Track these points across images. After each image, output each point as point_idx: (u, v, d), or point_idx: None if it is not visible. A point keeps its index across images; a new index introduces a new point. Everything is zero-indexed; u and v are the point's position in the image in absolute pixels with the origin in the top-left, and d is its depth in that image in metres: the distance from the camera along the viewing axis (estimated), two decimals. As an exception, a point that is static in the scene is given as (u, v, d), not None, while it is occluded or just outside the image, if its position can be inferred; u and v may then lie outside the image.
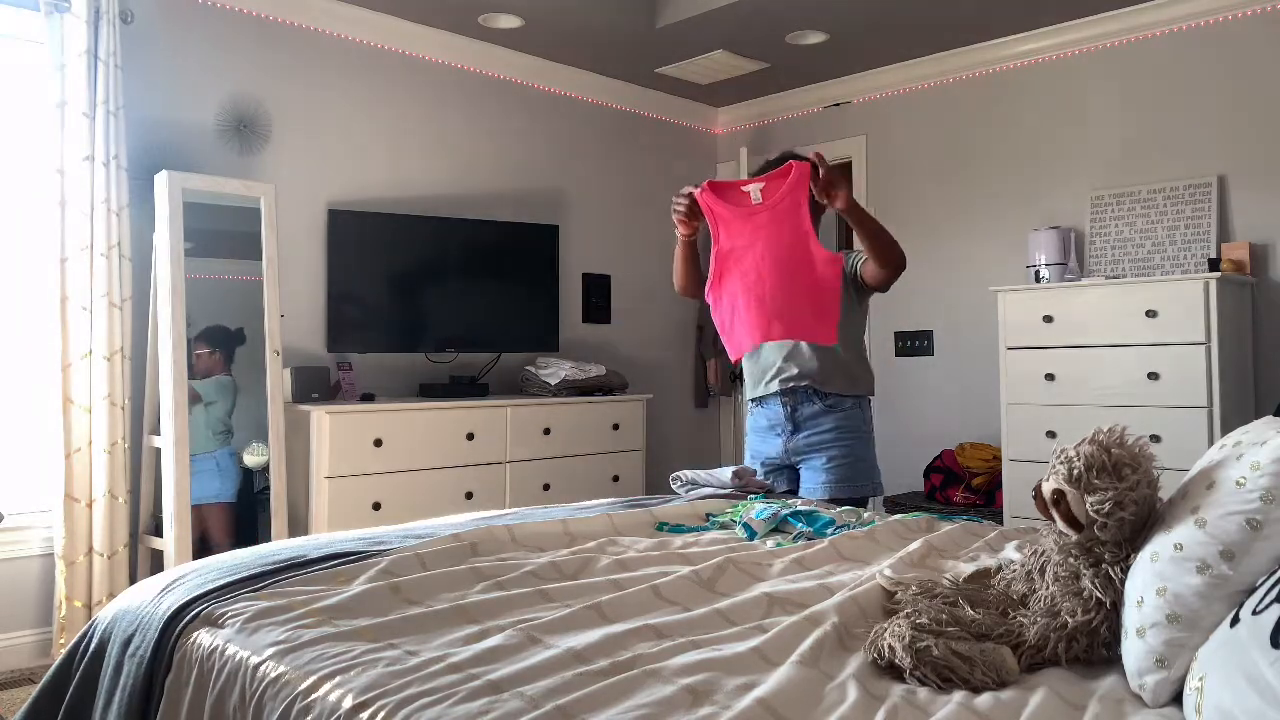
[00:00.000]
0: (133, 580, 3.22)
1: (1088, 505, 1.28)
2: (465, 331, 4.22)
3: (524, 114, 4.64)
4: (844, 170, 2.69)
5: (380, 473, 3.57)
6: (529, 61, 4.57)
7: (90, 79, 3.19)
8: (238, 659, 1.36)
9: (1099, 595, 1.28)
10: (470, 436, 3.83)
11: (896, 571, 1.70)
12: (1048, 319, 3.70)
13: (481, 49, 4.39)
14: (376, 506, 3.54)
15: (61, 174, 3.16)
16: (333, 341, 3.92)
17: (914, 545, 1.91)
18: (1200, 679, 1.05)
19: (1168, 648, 1.14)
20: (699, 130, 5.46)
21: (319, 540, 1.98)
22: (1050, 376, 3.69)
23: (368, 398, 3.77)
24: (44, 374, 3.23)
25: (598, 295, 4.91)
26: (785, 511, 2.20)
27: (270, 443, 3.45)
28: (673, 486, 2.72)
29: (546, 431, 4.08)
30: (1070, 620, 1.29)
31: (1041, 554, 1.42)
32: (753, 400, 2.78)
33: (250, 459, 3.54)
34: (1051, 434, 3.67)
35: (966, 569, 1.69)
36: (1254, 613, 1.02)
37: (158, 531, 3.33)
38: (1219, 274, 3.39)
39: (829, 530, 2.11)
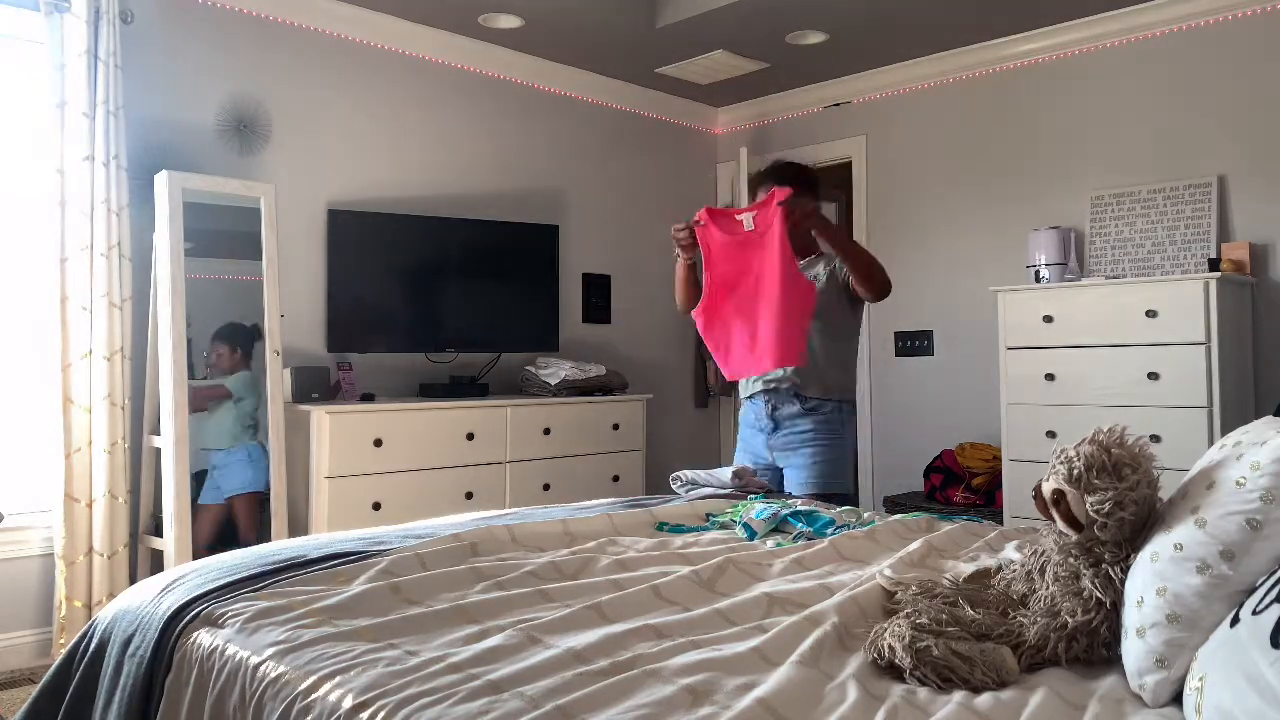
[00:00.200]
0: (133, 580, 3.22)
1: (1088, 505, 1.28)
2: (465, 331, 4.22)
3: (524, 114, 4.64)
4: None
5: (380, 473, 3.57)
6: (529, 61, 4.57)
7: (90, 79, 3.18)
8: (238, 659, 1.36)
9: (1099, 595, 1.28)
10: (470, 436, 3.83)
11: (896, 571, 1.70)
12: (1048, 319, 3.70)
13: (481, 49, 4.39)
14: (376, 506, 3.54)
15: (61, 174, 3.16)
16: (333, 341, 3.91)
17: (914, 545, 1.91)
18: (1200, 679, 1.05)
19: (1168, 648, 1.14)
20: (699, 130, 5.46)
21: (319, 540, 1.98)
22: (1050, 376, 3.69)
23: (368, 398, 3.77)
24: (44, 374, 3.23)
25: (598, 295, 4.91)
26: (785, 511, 2.20)
27: (270, 443, 3.45)
28: (673, 486, 2.72)
29: (546, 431, 4.08)
30: (1070, 620, 1.29)
31: (1041, 554, 1.42)
32: (744, 397, 2.91)
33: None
34: (1051, 434, 3.66)
35: (966, 569, 1.69)
36: (1254, 613, 1.02)
37: (158, 531, 3.33)
38: (1219, 274, 3.39)
39: (829, 530, 2.11)
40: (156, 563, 3.33)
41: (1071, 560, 1.33)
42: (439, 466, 3.74)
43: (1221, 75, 3.79)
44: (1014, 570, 1.49)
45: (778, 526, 2.17)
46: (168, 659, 1.47)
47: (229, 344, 3.53)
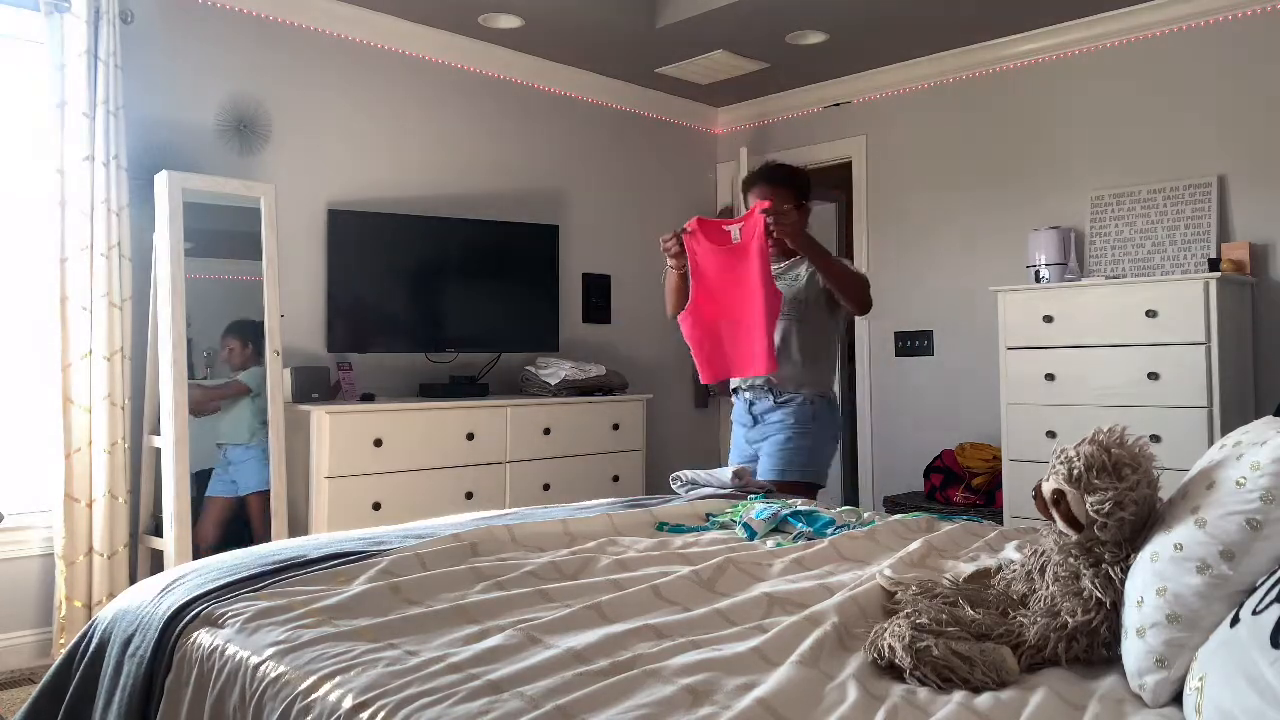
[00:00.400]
0: (133, 580, 3.21)
1: (1088, 505, 1.28)
2: (465, 331, 4.22)
3: (524, 114, 4.64)
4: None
5: (380, 473, 3.57)
6: (529, 61, 4.57)
7: (90, 79, 3.18)
8: (238, 659, 1.36)
9: (1099, 595, 1.28)
10: (470, 436, 3.83)
11: (896, 571, 1.70)
12: (1048, 319, 3.70)
13: (481, 49, 4.39)
14: (376, 506, 3.54)
15: (61, 174, 3.16)
16: (333, 341, 3.92)
17: (914, 545, 1.91)
18: (1200, 679, 1.05)
19: (1168, 648, 1.14)
20: (699, 130, 5.46)
21: (319, 540, 1.98)
22: (1050, 376, 3.69)
23: (368, 398, 3.77)
24: (44, 374, 3.23)
25: (598, 295, 4.91)
26: (785, 511, 2.20)
27: (270, 443, 3.45)
28: (673, 486, 2.72)
29: (546, 431, 4.08)
30: (1070, 620, 1.29)
31: (1041, 554, 1.42)
32: (730, 391, 3.05)
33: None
34: (1051, 434, 3.66)
35: (966, 569, 1.69)
36: (1254, 613, 1.02)
37: (158, 531, 3.33)
38: (1219, 274, 3.39)
39: (829, 530, 2.11)
40: (156, 563, 3.33)
41: (1071, 560, 1.33)
42: (439, 466, 3.74)
43: (1221, 75, 3.79)
44: (1014, 570, 1.49)
45: (778, 526, 2.17)
46: (168, 659, 1.47)
47: (240, 338, 3.54)
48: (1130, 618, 1.21)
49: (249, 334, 3.53)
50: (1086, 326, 3.60)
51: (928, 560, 1.85)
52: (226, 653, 1.38)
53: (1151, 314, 3.45)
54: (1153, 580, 1.18)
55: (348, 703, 1.17)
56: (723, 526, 2.22)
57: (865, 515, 2.27)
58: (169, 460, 3.22)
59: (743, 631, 1.41)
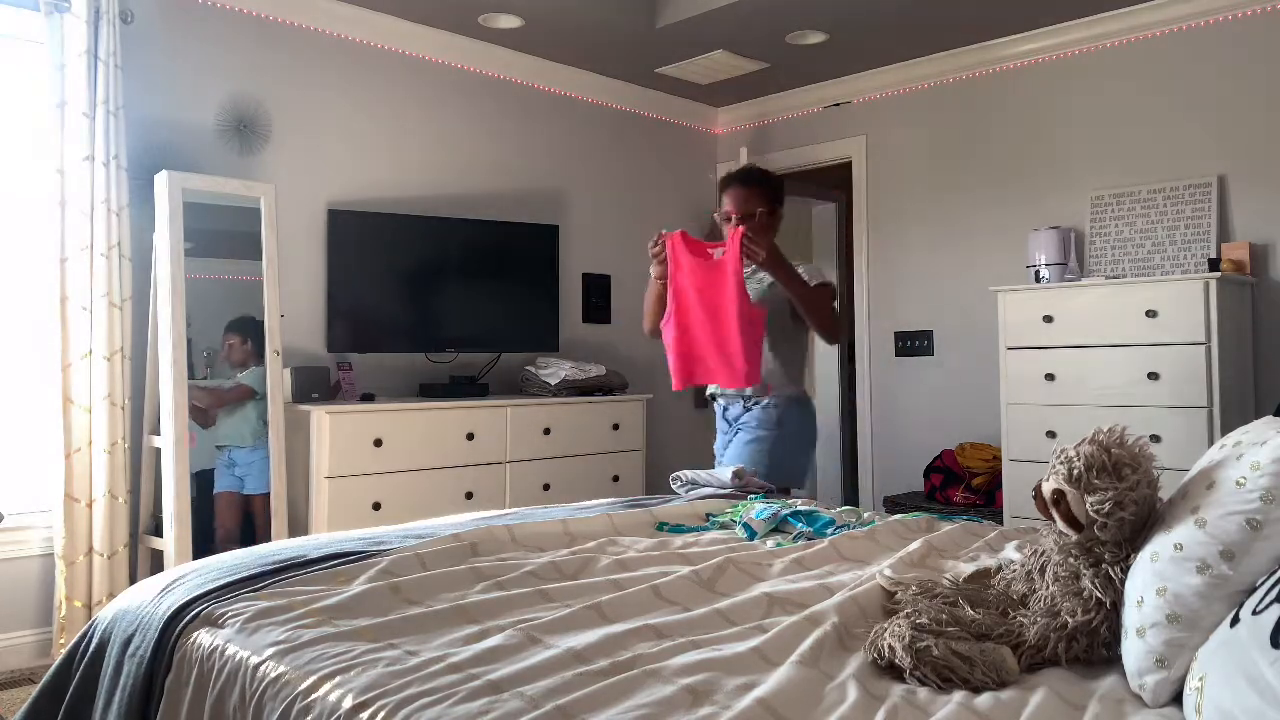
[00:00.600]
0: (133, 580, 3.21)
1: (1088, 505, 1.28)
2: (465, 331, 4.22)
3: (524, 114, 4.64)
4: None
5: (380, 473, 3.57)
6: (529, 61, 4.57)
7: (90, 79, 3.18)
8: (238, 659, 1.36)
9: (1099, 595, 1.28)
10: (470, 436, 3.83)
11: (896, 571, 1.70)
12: (1048, 319, 3.70)
13: (481, 49, 4.39)
14: (376, 506, 3.54)
15: (61, 174, 3.16)
16: (333, 341, 3.92)
17: (914, 545, 1.91)
18: (1200, 679, 1.05)
19: (1168, 648, 1.14)
20: (699, 130, 5.46)
21: (319, 540, 1.98)
22: (1050, 376, 3.69)
23: (368, 398, 3.77)
24: (44, 374, 3.23)
25: (598, 295, 4.91)
26: (785, 511, 2.20)
27: (270, 443, 3.45)
28: (673, 486, 2.72)
29: (546, 431, 4.08)
30: (1070, 620, 1.29)
31: (1041, 554, 1.42)
32: (708, 395, 3.14)
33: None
34: (1051, 434, 3.66)
35: (966, 569, 1.69)
36: (1254, 613, 1.02)
37: (158, 531, 3.33)
38: (1219, 274, 3.39)
39: (829, 530, 2.11)
40: (156, 563, 3.33)
41: (1071, 560, 1.33)
42: (439, 466, 3.74)
43: (1221, 75, 3.79)
44: (1014, 570, 1.49)
45: (778, 526, 2.17)
46: (168, 659, 1.47)
47: (240, 335, 3.53)
48: (1130, 618, 1.21)
49: (249, 331, 3.53)
50: (1086, 326, 3.60)
51: (928, 560, 1.85)
52: (226, 653, 1.38)
53: (1151, 314, 3.45)
54: (1153, 580, 1.18)
55: (348, 703, 1.17)
56: (723, 526, 2.22)
57: (865, 515, 2.27)
58: (169, 460, 3.22)
59: (743, 631, 1.41)
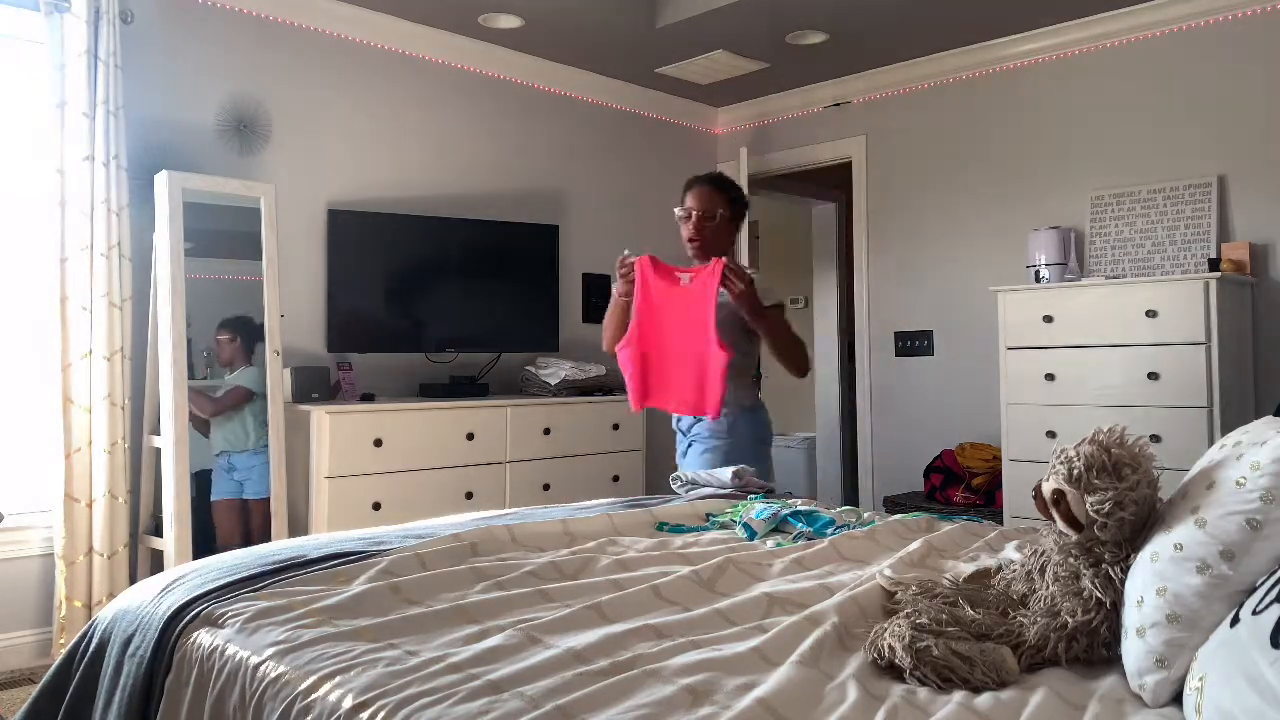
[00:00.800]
0: (133, 580, 3.21)
1: (1088, 505, 1.28)
2: (465, 331, 4.22)
3: (524, 114, 4.64)
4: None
5: (380, 473, 3.57)
6: (529, 61, 4.57)
7: (90, 79, 3.18)
8: (238, 659, 1.36)
9: (1099, 595, 1.28)
10: (470, 436, 3.83)
11: (896, 571, 1.70)
12: (1048, 319, 3.70)
13: (481, 49, 4.39)
14: (376, 506, 3.54)
15: (61, 174, 3.16)
16: (333, 341, 3.92)
17: (914, 545, 1.91)
18: (1200, 679, 1.05)
19: (1168, 648, 1.14)
20: (699, 130, 5.46)
21: (319, 540, 1.98)
22: (1050, 376, 3.69)
23: (368, 398, 3.77)
24: (44, 374, 3.23)
25: (598, 295, 4.90)
26: (785, 511, 2.20)
27: (270, 443, 3.45)
28: (673, 486, 2.72)
29: (546, 431, 4.08)
30: (1070, 620, 1.29)
31: (1041, 554, 1.42)
32: None
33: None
34: (1051, 434, 3.66)
35: (966, 569, 1.69)
36: (1254, 613, 1.02)
37: (158, 531, 3.33)
38: (1219, 274, 3.39)
39: (829, 530, 2.11)
40: (156, 563, 3.33)
41: (1071, 560, 1.33)
42: (439, 466, 3.74)
43: (1221, 75, 3.79)
44: (1014, 570, 1.49)
45: (778, 526, 2.17)
46: (168, 659, 1.47)
47: (230, 333, 3.51)
48: (1130, 618, 1.21)
49: (239, 329, 3.51)
50: (1086, 326, 3.60)
51: (928, 560, 1.85)
52: (226, 653, 1.38)
53: (1151, 314, 3.45)
54: (1153, 580, 1.18)
55: (348, 703, 1.17)
56: (723, 526, 2.22)
57: (865, 515, 2.27)
58: (169, 460, 3.22)
59: (743, 631, 1.41)
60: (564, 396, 4.21)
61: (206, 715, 1.36)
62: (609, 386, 4.40)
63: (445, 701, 1.13)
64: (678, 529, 2.18)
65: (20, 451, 3.32)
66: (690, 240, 2.87)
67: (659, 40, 4.34)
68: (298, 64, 3.88)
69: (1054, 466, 1.33)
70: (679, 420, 2.98)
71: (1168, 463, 3.08)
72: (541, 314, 4.45)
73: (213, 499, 3.44)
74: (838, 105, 5.00)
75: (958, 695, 1.17)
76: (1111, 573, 1.28)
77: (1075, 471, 1.29)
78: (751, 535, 2.09)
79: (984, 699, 1.16)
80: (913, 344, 4.73)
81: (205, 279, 3.44)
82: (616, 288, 2.85)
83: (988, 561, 1.77)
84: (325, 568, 1.69)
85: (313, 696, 1.22)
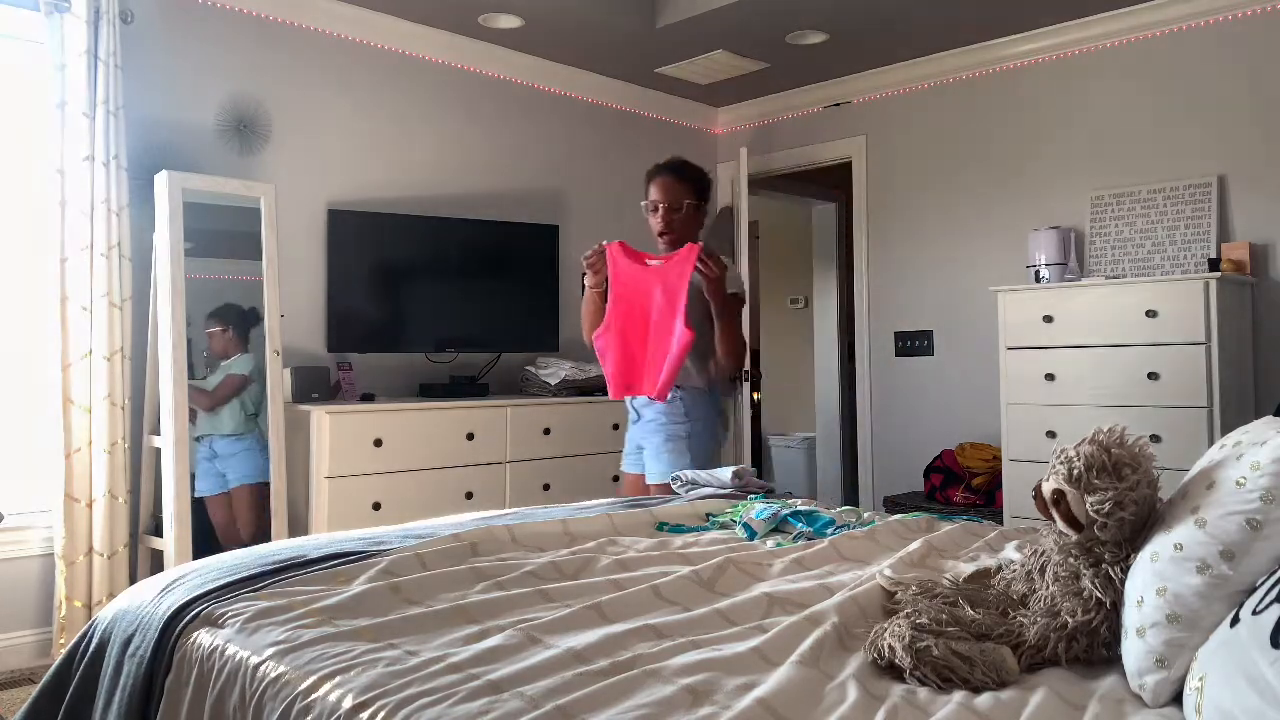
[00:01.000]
0: (133, 580, 3.21)
1: (1088, 505, 1.28)
2: (465, 331, 4.22)
3: (524, 114, 4.64)
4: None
5: (380, 473, 3.57)
6: (529, 61, 4.57)
7: (90, 79, 3.18)
8: (238, 659, 1.36)
9: (1099, 595, 1.28)
10: (470, 436, 3.83)
11: (896, 571, 1.70)
12: (1048, 319, 3.70)
13: (481, 49, 4.39)
14: (376, 506, 3.54)
15: (61, 174, 3.16)
16: (333, 341, 3.92)
17: (914, 545, 1.91)
18: (1200, 679, 1.05)
19: (1168, 648, 1.14)
20: (699, 130, 5.46)
21: (319, 540, 1.98)
22: (1050, 376, 3.69)
23: (368, 398, 3.77)
24: (44, 374, 3.23)
25: (598, 295, 4.90)
26: (785, 511, 2.20)
27: (270, 443, 3.45)
28: (673, 486, 2.72)
29: (546, 431, 4.08)
30: (1070, 620, 1.29)
31: (1041, 554, 1.42)
32: None
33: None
34: (1051, 434, 3.67)
35: (966, 569, 1.69)
36: (1254, 613, 1.02)
37: (158, 531, 3.33)
38: (1219, 274, 3.39)
39: (829, 530, 2.11)
40: (156, 563, 3.33)
41: (1071, 560, 1.33)
42: (439, 466, 3.74)
43: (1221, 75, 3.79)
44: (1014, 570, 1.49)
45: (778, 526, 2.17)
46: (168, 659, 1.47)
47: (221, 324, 3.49)
48: (1130, 618, 1.21)
49: (230, 319, 3.49)
50: (1086, 326, 3.60)
51: (928, 560, 1.85)
52: (226, 653, 1.38)
53: (1151, 314, 3.45)
54: (1153, 580, 1.18)
55: (348, 703, 1.17)
56: (723, 526, 2.22)
57: (865, 515, 2.27)
58: (169, 460, 3.22)
59: (743, 631, 1.41)
60: (564, 396, 4.21)
61: (206, 715, 1.36)
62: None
63: (445, 701, 1.13)
64: (678, 529, 2.18)
65: (20, 451, 3.32)
66: (661, 234, 2.90)
67: (659, 40, 4.34)
68: (298, 64, 3.88)
69: (1054, 466, 1.33)
70: (634, 399, 2.95)
71: (1168, 463, 3.07)
72: (541, 314, 4.45)
73: (196, 495, 3.37)
74: (838, 105, 5.00)
75: (958, 695, 1.17)
76: (1111, 573, 1.28)
77: (1075, 471, 1.29)
78: (751, 535, 2.09)
79: (984, 699, 1.16)
80: (913, 344, 4.73)
81: (205, 279, 3.44)
82: (587, 280, 2.90)
83: (988, 561, 1.77)
84: (325, 568, 1.69)
85: (313, 696, 1.22)
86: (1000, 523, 3.46)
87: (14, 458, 3.31)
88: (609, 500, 2.62)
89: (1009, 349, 3.82)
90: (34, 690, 1.67)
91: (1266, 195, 3.68)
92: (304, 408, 3.51)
